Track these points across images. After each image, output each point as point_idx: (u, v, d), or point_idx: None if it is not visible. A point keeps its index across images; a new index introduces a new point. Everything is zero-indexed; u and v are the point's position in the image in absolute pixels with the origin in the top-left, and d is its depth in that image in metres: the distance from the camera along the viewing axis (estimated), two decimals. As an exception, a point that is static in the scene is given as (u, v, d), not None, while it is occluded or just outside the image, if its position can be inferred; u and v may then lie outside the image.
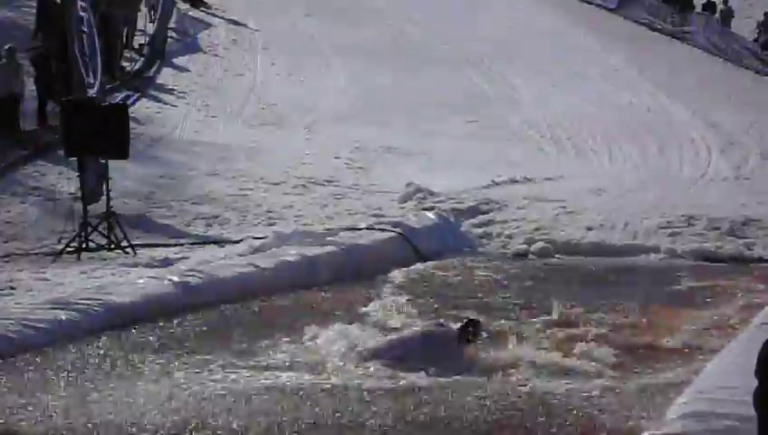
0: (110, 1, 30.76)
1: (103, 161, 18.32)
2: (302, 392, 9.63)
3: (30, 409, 8.67)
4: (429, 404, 9.37)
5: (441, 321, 11.78)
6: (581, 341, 11.69)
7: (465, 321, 11.49)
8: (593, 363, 10.87)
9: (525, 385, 10.04)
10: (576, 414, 9.19)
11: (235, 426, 8.64)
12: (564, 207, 20.92)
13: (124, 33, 32.17)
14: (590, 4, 46.07)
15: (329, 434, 8.54)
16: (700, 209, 20.68)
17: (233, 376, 10.28)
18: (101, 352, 11.00)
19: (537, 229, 19.83)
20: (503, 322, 12.81)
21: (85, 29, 19.47)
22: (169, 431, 8.36)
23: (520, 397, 9.65)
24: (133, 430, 8.46)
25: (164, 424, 8.61)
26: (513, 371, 10.53)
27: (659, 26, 43.80)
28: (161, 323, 12.23)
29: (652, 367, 10.89)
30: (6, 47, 24.32)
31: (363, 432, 8.67)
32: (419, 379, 10.15)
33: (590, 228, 19.90)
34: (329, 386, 9.96)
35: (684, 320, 13.14)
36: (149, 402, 9.20)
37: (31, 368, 10.18)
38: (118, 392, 9.50)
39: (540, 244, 19.26)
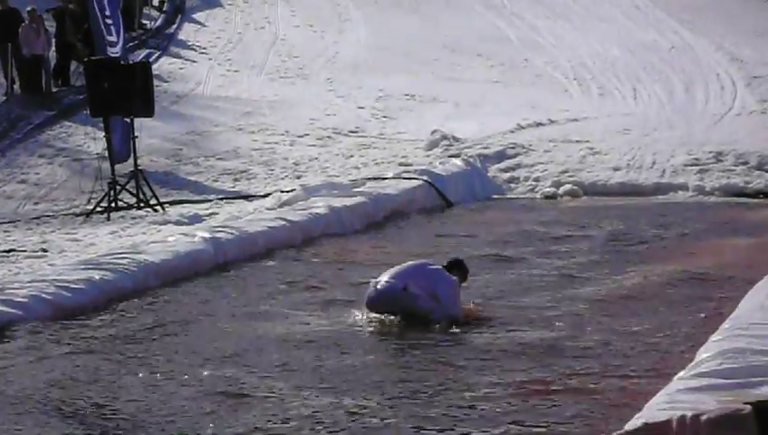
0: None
1: (128, 120, 18.36)
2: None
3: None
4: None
5: None
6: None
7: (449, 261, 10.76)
8: None
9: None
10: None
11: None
12: (591, 149, 20.90)
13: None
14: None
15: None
16: (728, 145, 20.62)
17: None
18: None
19: (564, 172, 19.84)
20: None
21: (105, -12, 19.45)
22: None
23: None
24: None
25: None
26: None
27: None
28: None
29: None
30: (28, 9, 24.37)
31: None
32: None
33: (617, 169, 19.90)
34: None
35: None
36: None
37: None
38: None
39: (567, 186, 19.27)
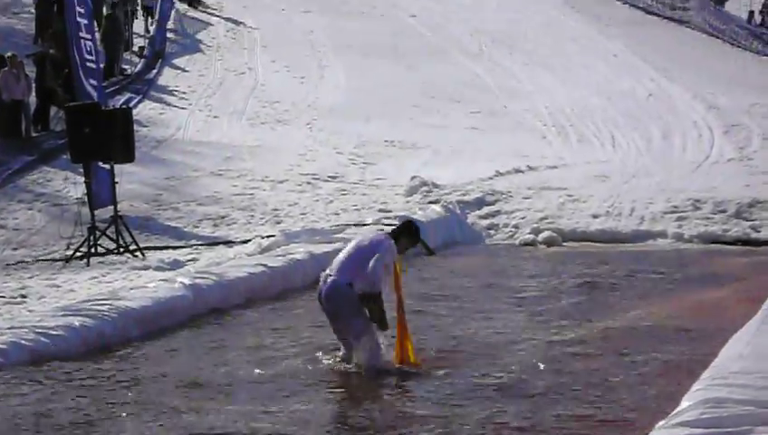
0: (115, 3, 30.90)
1: (109, 167, 18.35)
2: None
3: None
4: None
5: None
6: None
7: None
8: None
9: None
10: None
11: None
12: (570, 196, 20.99)
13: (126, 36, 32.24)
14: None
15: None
16: (706, 193, 20.74)
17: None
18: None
19: (543, 218, 19.89)
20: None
21: (84, 35, 19.49)
22: None
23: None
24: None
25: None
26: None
27: (656, 10, 43.87)
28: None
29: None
30: (8, 54, 24.38)
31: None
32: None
33: (595, 216, 19.97)
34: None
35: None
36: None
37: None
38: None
39: (546, 233, 19.32)
